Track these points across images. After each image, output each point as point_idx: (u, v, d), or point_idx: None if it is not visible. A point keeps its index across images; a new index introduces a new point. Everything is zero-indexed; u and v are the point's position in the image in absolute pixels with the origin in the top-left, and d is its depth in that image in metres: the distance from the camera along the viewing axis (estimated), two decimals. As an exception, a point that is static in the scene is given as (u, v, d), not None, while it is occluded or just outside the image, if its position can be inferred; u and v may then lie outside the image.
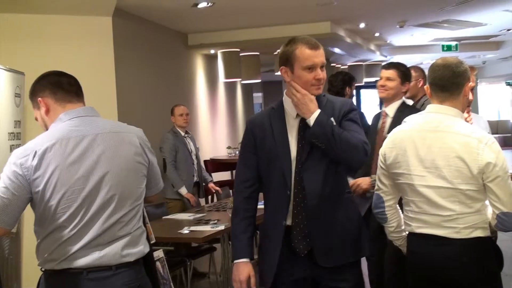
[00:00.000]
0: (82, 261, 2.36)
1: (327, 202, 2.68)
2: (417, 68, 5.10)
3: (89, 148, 2.41)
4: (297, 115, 2.71)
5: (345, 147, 2.58)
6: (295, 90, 2.65)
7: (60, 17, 6.41)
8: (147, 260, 2.59)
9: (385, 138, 2.94)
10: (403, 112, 3.94)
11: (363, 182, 4.09)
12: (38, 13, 6.27)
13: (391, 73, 4.28)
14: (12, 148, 4.87)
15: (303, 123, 2.68)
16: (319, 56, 2.66)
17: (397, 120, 3.69)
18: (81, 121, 2.47)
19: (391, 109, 4.22)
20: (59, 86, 2.53)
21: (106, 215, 2.40)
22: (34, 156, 2.34)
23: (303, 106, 2.63)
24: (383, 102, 4.37)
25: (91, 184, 2.38)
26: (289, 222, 2.71)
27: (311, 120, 2.62)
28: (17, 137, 5.08)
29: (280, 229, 2.70)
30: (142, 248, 2.53)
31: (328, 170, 2.68)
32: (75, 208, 2.36)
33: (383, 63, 5.20)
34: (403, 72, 4.29)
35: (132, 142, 2.54)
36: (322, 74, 2.66)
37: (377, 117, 4.34)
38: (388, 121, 4.19)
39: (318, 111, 2.63)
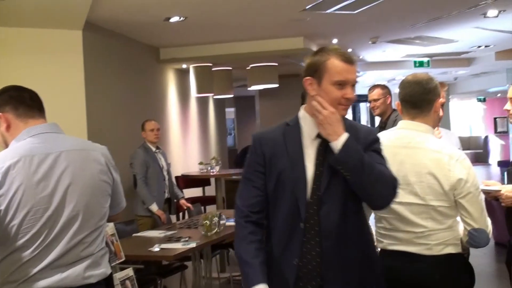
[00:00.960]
0: (43, 283, 2.31)
1: (344, 243, 2.31)
2: (384, 86, 5.28)
3: (53, 166, 2.37)
4: (317, 135, 2.35)
5: (375, 180, 2.24)
6: (320, 106, 2.28)
7: (28, 30, 6.36)
8: (108, 282, 2.55)
9: None
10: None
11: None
12: (4, 25, 6.21)
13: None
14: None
15: (323, 146, 2.33)
16: (352, 72, 2.32)
17: None
18: (45, 138, 2.43)
19: None
20: (21, 101, 2.47)
21: (69, 235, 2.36)
22: None
23: (329, 127, 2.27)
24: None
25: (55, 202, 2.35)
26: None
27: (338, 144, 2.25)
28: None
29: (291, 271, 2.32)
30: (104, 270, 2.50)
31: (349, 204, 2.32)
32: (38, 228, 2.31)
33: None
34: None
35: (97, 160, 2.52)
36: (352, 94, 2.32)
37: None
38: None
39: (346, 134, 2.27)
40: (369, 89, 5.31)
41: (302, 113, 2.42)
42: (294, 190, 2.32)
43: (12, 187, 2.28)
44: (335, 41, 10.21)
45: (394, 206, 2.66)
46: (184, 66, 10.10)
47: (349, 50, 11.65)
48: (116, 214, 2.73)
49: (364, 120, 20.87)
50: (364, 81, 16.21)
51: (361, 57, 13.00)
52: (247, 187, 2.41)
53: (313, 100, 2.33)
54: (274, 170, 2.36)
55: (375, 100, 5.21)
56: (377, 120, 5.64)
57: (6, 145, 2.48)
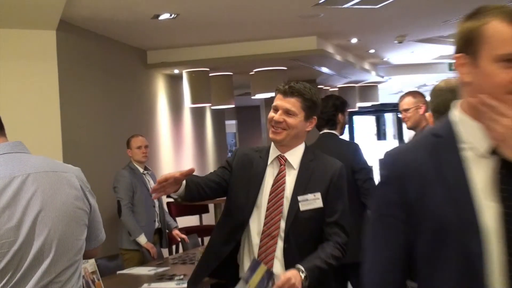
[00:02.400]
0: None
1: None
2: (417, 93, 5.27)
3: (19, 191, 2.35)
4: (492, 151, 1.73)
5: None
6: (498, 111, 1.69)
7: (-7, 31, 6.40)
8: None
9: None
10: None
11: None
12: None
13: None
14: None
15: (508, 169, 1.70)
16: None
17: None
18: (8, 158, 2.42)
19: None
20: None
21: (39, 274, 2.33)
22: None
23: None
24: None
25: (23, 234, 2.32)
26: None
27: None
28: None
29: None
30: None
31: None
32: (2, 266, 2.28)
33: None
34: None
35: (70, 184, 2.50)
36: None
37: None
38: None
39: None
40: (400, 98, 5.32)
41: (458, 115, 1.80)
42: (465, 240, 1.69)
43: None
44: (354, 40, 10.24)
45: None
46: (176, 71, 10.14)
47: (371, 51, 11.70)
48: (94, 248, 2.71)
49: (390, 134, 20.86)
50: (390, 88, 16.23)
51: (385, 59, 13.03)
52: (381, 250, 1.83)
53: (471, 91, 1.76)
54: (425, 213, 1.75)
55: (405, 110, 5.19)
56: (408, 133, 5.67)
57: None
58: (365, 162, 5.22)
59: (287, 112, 3.22)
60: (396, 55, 12.55)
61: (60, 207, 2.42)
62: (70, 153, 6.69)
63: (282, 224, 3.20)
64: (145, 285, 4.86)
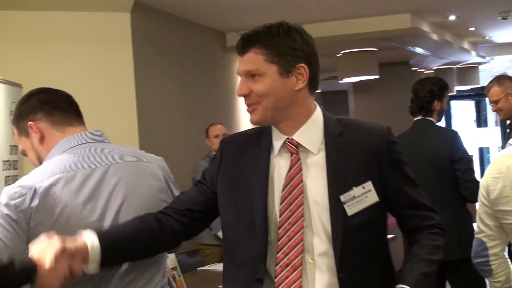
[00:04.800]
0: None
1: None
2: (502, 79, 5.05)
3: (101, 183, 2.40)
4: None
5: None
6: None
7: (65, 14, 6.55)
8: None
9: None
10: None
11: None
12: (38, 9, 6.42)
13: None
14: (7, 180, 4.97)
15: None
16: None
17: None
18: (88, 148, 2.46)
19: None
20: (55, 106, 2.51)
21: (123, 270, 2.38)
22: (33, 195, 2.29)
23: None
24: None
25: (106, 227, 2.36)
26: None
27: None
28: (13, 166, 5.18)
29: None
30: None
31: None
32: None
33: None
34: None
35: (154, 175, 2.54)
36: None
37: None
38: None
39: None
40: (486, 87, 5.14)
41: None
42: None
43: (53, 211, 2.30)
44: (452, 17, 10.04)
45: None
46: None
47: (471, 28, 11.45)
48: None
49: (492, 120, 20.40)
50: (492, 69, 15.87)
51: (487, 38, 12.75)
52: None
53: None
54: None
55: (495, 102, 5.04)
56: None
57: (40, 162, 2.50)
58: (464, 151, 5.10)
59: (251, 76, 2.25)
60: (500, 33, 12.25)
61: (143, 199, 2.46)
62: (146, 141, 6.79)
63: (322, 246, 2.22)
64: (227, 282, 4.90)
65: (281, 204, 2.22)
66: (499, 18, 10.26)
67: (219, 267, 5.62)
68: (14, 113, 2.58)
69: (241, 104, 9.98)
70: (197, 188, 2.46)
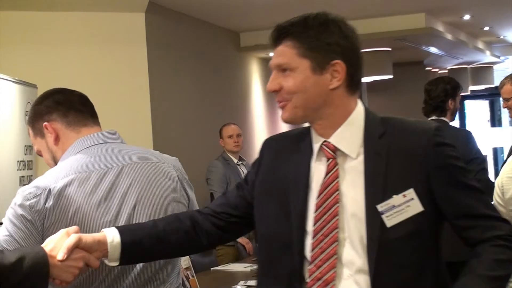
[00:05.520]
0: None
1: None
2: None
3: (115, 184, 2.39)
4: None
5: None
6: None
7: (81, 15, 6.58)
8: None
9: None
10: None
11: None
12: (53, 10, 6.44)
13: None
14: (22, 180, 4.99)
15: None
16: None
17: None
18: (103, 149, 2.46)
19: None
20: (70, 106, 2.50)
21: (138, 270, 2.38)
22: (47, 196, 2.29)
23: None
24: None
25: None
26: None
27: None
28: (28, 167, 5.20)
29: None
30: None
31: None
32: (100, 261, 2.29)
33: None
34: None
35: (168, 175, 2.53)
36: None
37: None
38: None
39: None
40: (500, 83, 5.13)
41: None
42: None
43: (67, 212, 2.30)
44: (467, 17, 10.00)
45: None
46: (272, 54, 10.13)
47: (486, 28, 11.40)
48: None
49: (506, 120, 20.30)
50: (507, 69, 15.79)
51: (502, 38, 12.69)
52: None
53: None
54: None
55: (506, 100, 5.02)
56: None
57: (55, 162, 2.50)
58: (478, 151, 5.07)
59: (282, 70, 2.08)
60: (514, 33, 12.22)
61: (157, 200, 2.45)
62: (160, 141, 6.80)
63: (359, 261, 1.99)
64: (241, 282, 4.89)
65: (315, 212, 2.01)
66: (514, 17, 10.22)
67: (232, 267, 5.63)
68: (29, 113, 2.58)
69: (255, 105, 9.98)
70: (237, 191, 2.28)
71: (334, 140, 2.04)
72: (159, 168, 2.52)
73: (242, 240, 6.60)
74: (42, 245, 2.08)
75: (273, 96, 2.14)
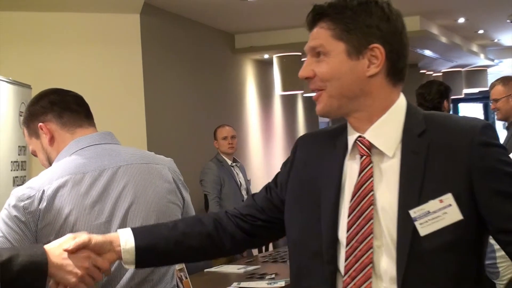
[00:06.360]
0: None
1: None
2: (508, 80, 5.11)
3: (110, 185, 2.38)
4: None
5: None
6: None
7: (75, 16, 6.57)
8: None
9: None
10: None
11: None
12: (48, 10, 6.43)
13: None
14: (15, 180, 4.98)
15: None
16: None
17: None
18: (98, 150, 2.45)
19: None
20: (65, 107, 2.49)
21: (131, 272, 2.37)
22: (41, 197, 2.28)
23: None
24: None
25: (114, 229, 2.33)
26: None
27: None
28: (22, 167, 5.19)
29: None
30: None
31: None
32: None
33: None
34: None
35: (163, 177, 2.52)
36: None
37: None
38: None
39: None
40: (490, 85, 5.20)
41: None
42: None
43: (61, 213, 2.29)
44: (461, 20, 10.03)
45: None
46: (266, 56, 10.16)
47: (480, 31, 11.43)
48: None
49: (500, 123, 20.35)
50: (501, 72, 15.82)
51: (496, 41, 12.72)
52: None
53: None
54: None
55: (495, 101, 5.08)
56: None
57: (50, 163, 2.50)
58: None
59: (316, 55, 1.89)
60: (508, 36, 12.23)
61: (152, 201, 2.44)
62: (154, 142, 6.80)
63: (392, 269, 1.76)
64: (235, 284, 4.90)
65: (348, 216, 1.80)
66: (508, 21, 10.24)
67: (226, 268, 5.63)
68: (24, 113, 2.57)
69: (249, 106, 9.98)
70: (265, 193, 2.11)
71: (369, 135, 1.83)
72: (154, 169, 2.51)
73: (236, 241, 6.59)
74: (45, 245, 2.05)
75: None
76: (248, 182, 7.11)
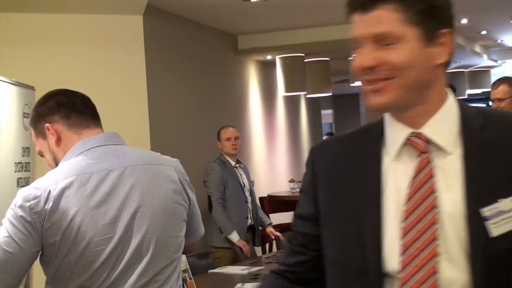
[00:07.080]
0: None
1: None
2: (511, 80, 5.11)
3: (116, 186, 2.40)
4: None
5: None
6: None
7: (78, 17, 6.57)
8: None
9: None
10: None
11: None
12: (51, 12, 6.44)
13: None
14: (19, 182, 4.98)
15: None
16: None
17: None
18: (104, 151, 2.46)
19: None
20: (72, 108, 2.52)
21: (138, 272, 2.38)
22: (47, 198, 2.30)
23: None
24: None
25: (120, 231, 2.36)
26: None
27: None
28: (26, 168, 5.19)
29: None
30: None
31: None
32: (100, 263, 2.33)
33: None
34: None
35: (169, 177, 2.53)
36: None
37: None
38: None
39: None
40: (493, 84, 5.19)
41: None
42: None
43: (67, 214, 2.30)
44: (464, 21, 10.01)
45: None
46: (269, 57, 10.16)
47: (483, 32, 11.42)
48: (193, 243, 2.76)
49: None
50: (504, 73, 15.82)
51: (499, 41, 12.71)
52: None
53: None
54: None
55: (499, 100, 5.08)
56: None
57: (56, 163, 2.52)
58: None
59: (382, 41, 1.58)
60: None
61: (159, 203, 2.45)
62: (158, 143, 6.79)
63: (461, 278, 1.55)
64: (239, 285, 4.89)
65: (404, 221, 1.57)
66: (511, 22, 10.24)
67: (229, 269, 5.63)
68: (31, 114, 2.59)
69: (252, 107, 9.98)
70: (299, 236, 1.83)
71: (428, 130, 1.61)
72: (160, 170, 2.52)
73: (239, 242, 6.60)
74: None
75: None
76: (251, 183, 7.10)
